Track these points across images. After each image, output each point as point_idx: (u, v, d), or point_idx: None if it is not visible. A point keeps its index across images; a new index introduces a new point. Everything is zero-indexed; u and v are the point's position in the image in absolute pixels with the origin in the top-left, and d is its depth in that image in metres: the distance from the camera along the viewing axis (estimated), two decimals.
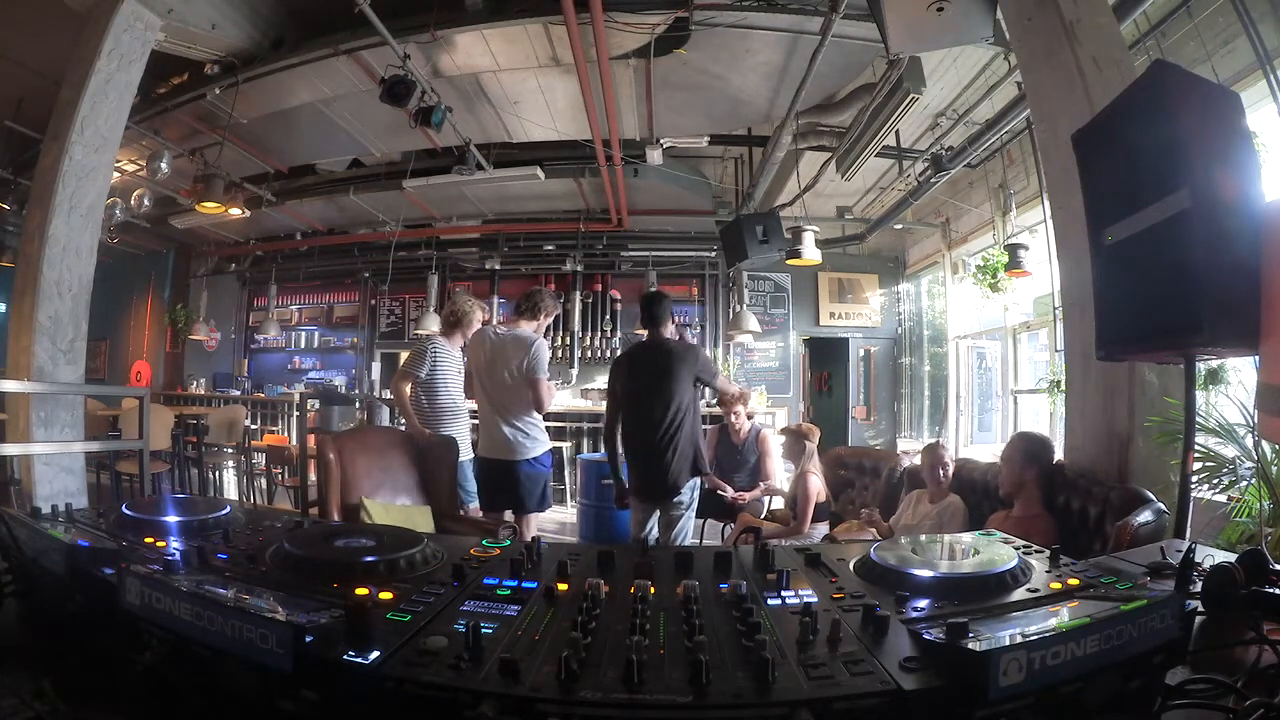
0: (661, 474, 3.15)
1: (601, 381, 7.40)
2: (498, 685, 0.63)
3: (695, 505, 3.36)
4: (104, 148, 3.90)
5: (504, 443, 3.47)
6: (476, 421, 3.75)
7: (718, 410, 4.70)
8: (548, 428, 3.81)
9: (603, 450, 3.94)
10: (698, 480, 3.30)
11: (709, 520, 4.58)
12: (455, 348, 3.81)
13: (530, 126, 5.74)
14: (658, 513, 3.31)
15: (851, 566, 1.03)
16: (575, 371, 8.54)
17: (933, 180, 5.60)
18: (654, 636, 0.74)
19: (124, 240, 8.55)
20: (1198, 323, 1.36)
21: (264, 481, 6.67)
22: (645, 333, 3.42)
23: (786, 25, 4.24)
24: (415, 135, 5.50)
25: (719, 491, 4.14)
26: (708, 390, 3.50)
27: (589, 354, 8.58)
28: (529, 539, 1.14)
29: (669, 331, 3.34)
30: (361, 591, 0.86)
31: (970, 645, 0.65)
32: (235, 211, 6.52)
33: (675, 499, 3.19)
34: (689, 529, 3.34)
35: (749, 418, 4.48)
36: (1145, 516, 1.98)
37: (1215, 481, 2.45)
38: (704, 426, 3.89)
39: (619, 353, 6.07)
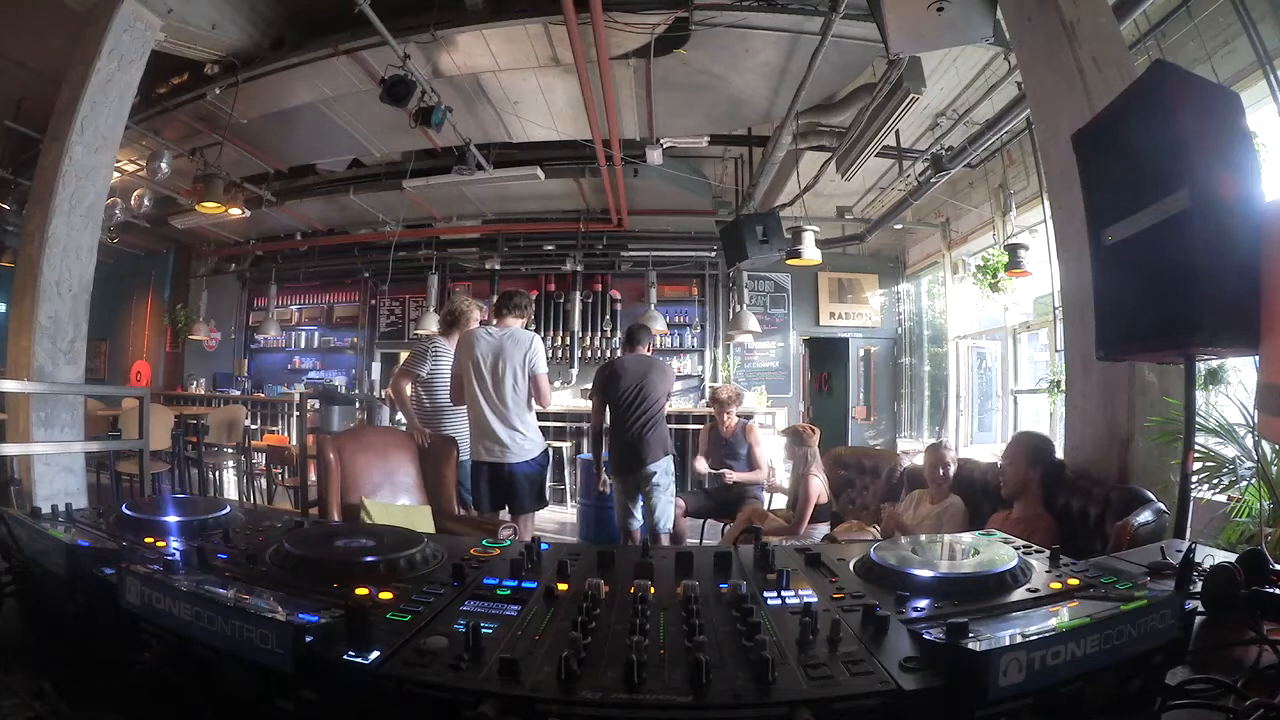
0: (637, 449, 3.78)
1: None
2: (498, 685, 0.63)
3: (671, 489, 3.89)
4: (104, 148, 3.90)
5: (502, 445, 3.46)
6: None
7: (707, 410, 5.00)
8: (547, 428, 3.88)
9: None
10: (669, 463, 3.86)
11: (709, 520, 4.62)
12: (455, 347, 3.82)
13: (530, 126, 5.74)
14: (641, 500, 3.84)
15: (851, 566, 1.02)
16: (575, 371, 8.53)
17: (933, 180, 5.60)
18: (654, 636, 0.74)
19: (124, 240, 8.55)
20: (1198, 323, 1.36)
21: (264, 481, 6.67)
22: (628, 349, 4.12)
23: (786, 25, 4.24)
24: (415, 135, 5.50)
25: (720, 472, 4.38)
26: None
27: (589, 354, 8.56)
28: (528, 539, 1.14)
29: (644, 351, 4.05)
30: (361, 591, 0.86)
31: (970, 645, 0.65)
32: (235, 211, 6.52)
33: (649, 471, 3.77)
34: (669, 512, 3.85)
35: (748, 417, 4.61)
36: (1145, 516, 1.98)
37: (1215, 481, 2.45)
38: (692, 428, 4.69)
39: (609, 358, 6.37)
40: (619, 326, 8.56)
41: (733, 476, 4.31)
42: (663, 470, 3.81)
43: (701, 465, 4.57)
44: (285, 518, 1.31)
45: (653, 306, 8.21)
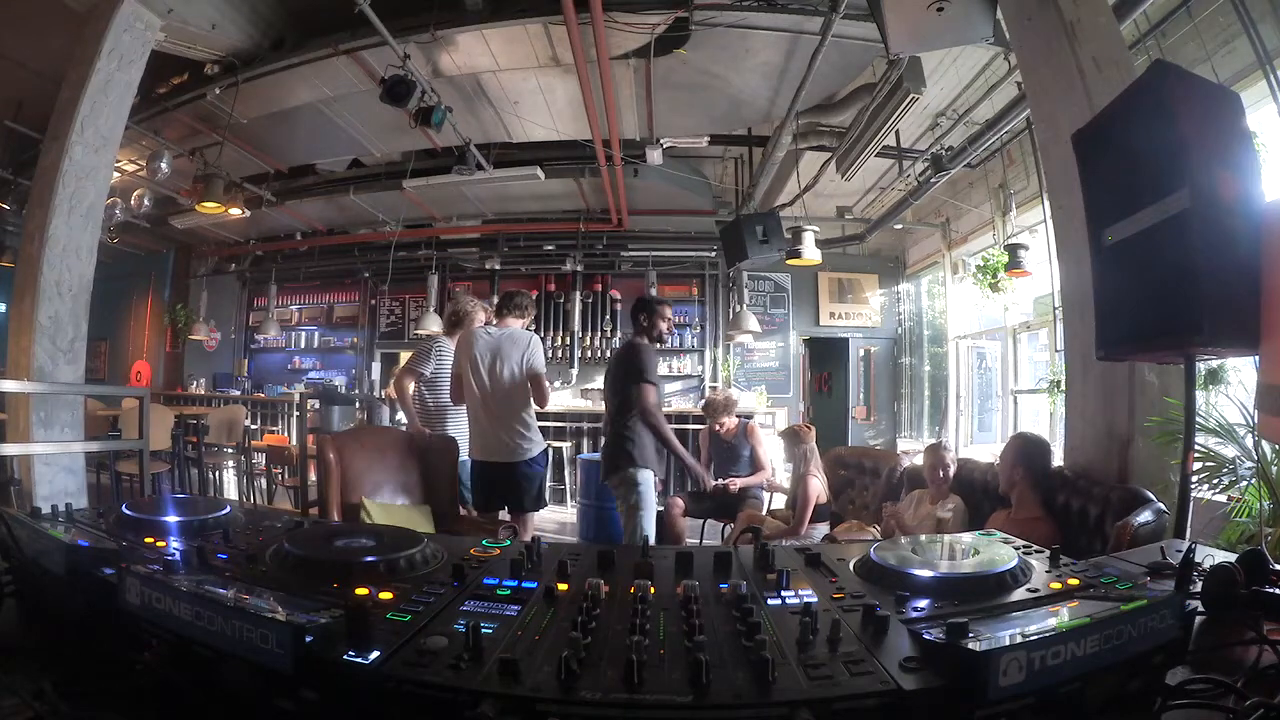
0: (606, 455, 3.48)
1: (601, 381, 7.44)
2: (498, 685, 0.63)
3: (647, 504, 3.34)
4: (104, 148, 3.90)
5: (502, 445, 3.44)
6: None
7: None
8: (547, 428, 3.83)
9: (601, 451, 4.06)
10: (641, 475, 3.30)
11: (709, 520, 4.61)
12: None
13: (530, 126, 5.74)
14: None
15: (851, 566, 1.02)
16: (575, 371, 8.54)
17: (933, 180, 5.61)
18: (654, 636, 0.74)
19: (124, 240, 8.54)
20: (1198, 323, 1.36)
21: (264, 481, 6.67)
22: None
23: (786, 25, 4.24)
24: (415, 135, 5.50)
25: (720, 485, 4.25)
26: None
27: (589, 354, 8.57)
28: (528, 539, 1.14)
29: (647, 334, 3.52)
30: (361, 591, 0.86)
31: (970, 645, 0.65)
32: (235, 211, 6.52)
33: (615, 480, 3.36)
34: (647, 526, 3.32)
35: (748, 416, 4.57)
36: (1145, 516, 1.98)
37: (1215, 481, 2.45)
38: (693, 428, 4.37)
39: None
40: (619, 326, 8.57)
41: (738, 483, 4.27)
42: (630, 483, 3.29)
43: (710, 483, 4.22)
44: (285, 518, 1.31)
45: None
